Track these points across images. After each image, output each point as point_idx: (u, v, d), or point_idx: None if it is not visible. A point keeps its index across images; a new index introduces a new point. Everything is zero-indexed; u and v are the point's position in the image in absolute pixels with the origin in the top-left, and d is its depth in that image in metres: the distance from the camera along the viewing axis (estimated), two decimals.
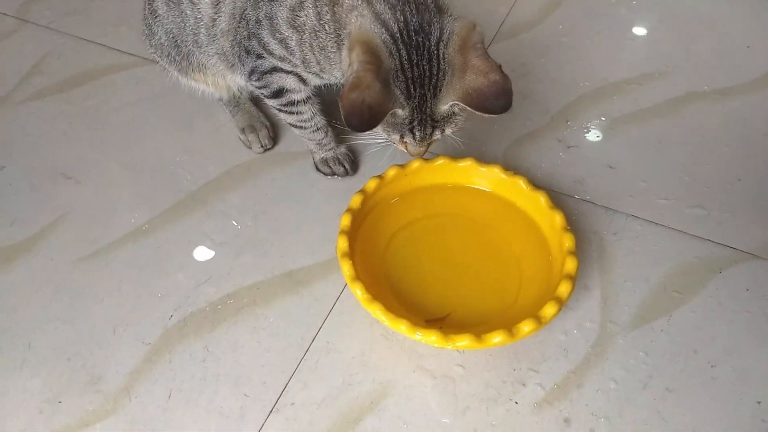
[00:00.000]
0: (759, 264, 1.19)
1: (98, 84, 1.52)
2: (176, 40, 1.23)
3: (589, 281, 1.17)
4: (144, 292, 1.18)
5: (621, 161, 1.36)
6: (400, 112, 0.98)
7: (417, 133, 1.02)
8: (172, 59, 1.27)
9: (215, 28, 1.16)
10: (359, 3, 0.98)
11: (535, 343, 1.10)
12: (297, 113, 1.21)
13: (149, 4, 1.23)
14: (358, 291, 1.04)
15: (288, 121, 1.25)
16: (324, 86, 1.19)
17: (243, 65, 1.16)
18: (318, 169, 1.34)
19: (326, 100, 1.25)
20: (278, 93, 1.17)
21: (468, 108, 0.98)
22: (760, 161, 1.35)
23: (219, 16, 1.14)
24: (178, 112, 1.46)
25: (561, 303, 1.03)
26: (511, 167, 1.25)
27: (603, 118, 1.44)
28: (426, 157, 1.17)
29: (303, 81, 1.14)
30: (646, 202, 1.28)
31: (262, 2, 1.06)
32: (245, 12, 1.10)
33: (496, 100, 0.95)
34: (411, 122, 1.00)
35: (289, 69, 1.12)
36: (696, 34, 1.63)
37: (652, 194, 1.30)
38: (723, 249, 1.22)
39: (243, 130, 1.39)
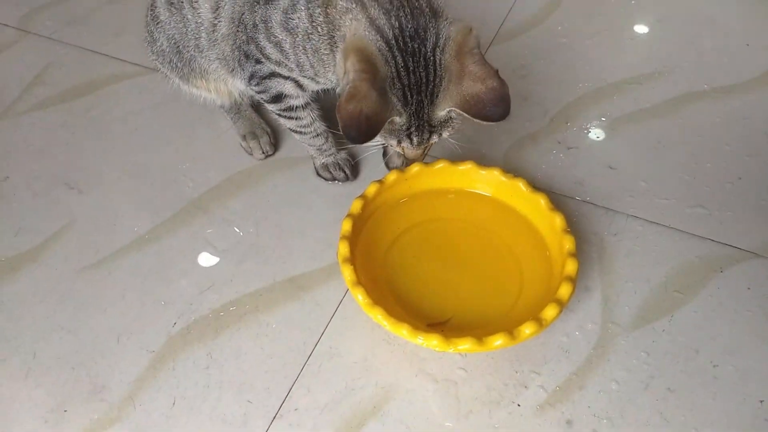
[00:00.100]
0: (760, 263, 1.19)
1: (100, 93, 1.53)
2: (178, 46, 1.24)
3: (590, 282, 1.17)
4: (147, 300, 1.18)
5: (621, 162, 1.36)
6: (397, 119, 0.99)
7: (414, 139, 1.02)
8: (174, 66, 1.28)
9: (216, 33, 1.16)
10: (353, 6, 0.98)
11: (536, 346, 1.10)
12: (296, 118, 1.22)
13: (151, 10, 1.24)
14: (359, 296, 1.04)
15: (288, 126, 1.26)
16: (322, 92, 1.19)
17: (243, 70, 1.17)
18: (319, 175, 1.34)
19: (325, 106, 1.25)
20: (277, 98, 1.18)
21: (466, 115, 0.98)
22: (760, 160, 1.35)
23: (219, 21, 1.15)
24: (179, 120, 1.47)
25: (562, 305, 1.03)
26: (511, 169, 1.25)
27: (603, 119, 1.44)
28: (426, 160, 1.17)
29: (301, 87, 1.15)
30: (646, 202, 1.29)
31: (257, 6, 1.07)
32: (243, 16, 1.10)
33: (495, 107, 0.95)
34: (408, 128, 1.00)
35: (287, 74, 1.12)
36: (695, 34, 1.63)
37: (653, 194, 1.30)
38: (724, 248, 1.22)
39: (244, 137, 1.39)
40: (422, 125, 1.00)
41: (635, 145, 1.39)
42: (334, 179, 1.33)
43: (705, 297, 1.15)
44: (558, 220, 1.15)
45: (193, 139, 1.43)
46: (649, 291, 1.16)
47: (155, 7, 1.23)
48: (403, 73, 0.96)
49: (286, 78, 1.13)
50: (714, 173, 1.33)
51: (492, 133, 1.39)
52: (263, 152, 1.38)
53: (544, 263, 1.15)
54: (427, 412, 1.04)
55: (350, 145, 1.34)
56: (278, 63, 1.10)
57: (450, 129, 1.04)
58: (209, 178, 1.36)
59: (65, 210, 1.31)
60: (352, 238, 1.13)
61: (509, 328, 1.00)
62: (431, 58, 0.97)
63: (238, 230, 1.27)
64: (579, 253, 1.11)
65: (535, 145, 1.39)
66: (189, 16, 1.17)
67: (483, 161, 1.25)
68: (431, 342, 1.00)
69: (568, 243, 1.11)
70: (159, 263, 1.23)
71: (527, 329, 1.00)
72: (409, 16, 0.96)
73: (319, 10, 1.00)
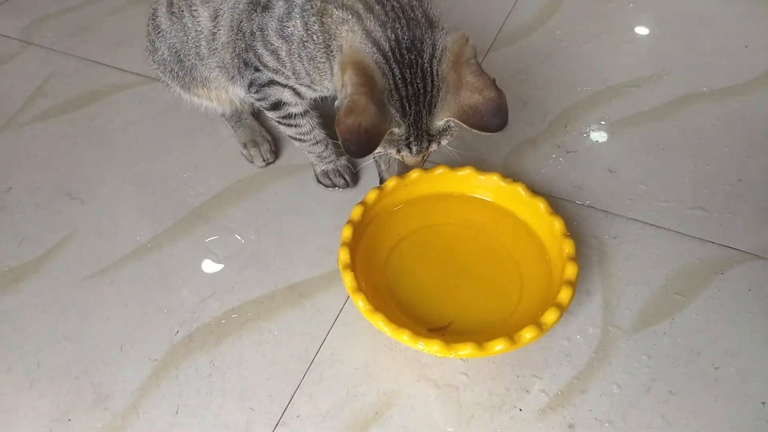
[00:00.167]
0: (760, 264, 1.19)
1: (102, 104, 1.55)
2: (179, 55, 1.24)
3: (591, 286, 1.18)
4: (149, 308, 1.19)
5: (621, 165, 1.36)
6: (396, 130, 0.99)
7: (414, 148, 1.02)
8: (176, 74, 1.29)
9: (216, 42, 1.17)
10: (350, 17, 0.98)
11: (537, 350, 1.10)
12: (296, 126, 1.23)
13: (153, 20, 1.25)
14: (360, 302, 1.05)
15: (288, 133, 1.26)
16: (320, 99, 1.20)
17: (242, 77, 1.18)
18: (319, 182, 1.35)
19: (325, 113, 1.26)
20: (276, 105, 1.18)
21: (464, 126, 0.98)
22: (760, 161, 1.35)
23: (218, 29, 1.16)
24: (180, 128, 1.48)
25: (562, 309, 1.03)
26: (511, 174, 1.25)
27: (602, 122, 1.44)
28: (425, 166, 1.17)
29: (299, 95, 1.15)
30: (646, 205, 1.29)
31: (255, 14, 1.08)
32: (241, 24, 1.11)
33: (492, 117, 0.95)
34: (407, 138, 1.01)
35: (284, 82, 1.13)
36: (694, 35, 1.63)
37: (653, 197, 1.30)
38: (724, 250, 1.22)
39: (245, 145, 1.40)
40: (421, 135, 1.01)
41: (634, 148, 1.39)
42: (334, 186, 1.34)
43: (706, 299, 1.16)
44: (557, 224, 1.15)
45: (194, 147, 1.44)
46: (650, 294, 1.17)
47: (156, 17, 1.24)
48: (400, 85, 0.96)
49: (284, 86, 1.14)
50: (714, 175, 1.33)
51: (491, 138, 1.37)
52: (264, 160, 1.39)
53: (544, 267, 1.15)
54: (429, 417, 1.05)
55: None
56: (275, 71, 1.10)
57: (449, 137, 1.04)
58: (210, 186, 1.36)
59: (67, 220, 1.32)
60: (353, 245, 1.13)
61: (510, 332, 1.00)
62: (428, 69, 0.97)
63: (239, 238, 1.28)
64: (579, 257, 1.12)
65: (534, 149, 1.40)
66: (189, 25, 1.18)
67: (482, 166, 1.26)
68: (432, 348, 1.00)
69: (568, 247, 1.11)
70: (161, 272, 1.24)
71: (528, 334, 1.00)
72: (405, 28, 0.97)
73: (314, 18, 1.00)
